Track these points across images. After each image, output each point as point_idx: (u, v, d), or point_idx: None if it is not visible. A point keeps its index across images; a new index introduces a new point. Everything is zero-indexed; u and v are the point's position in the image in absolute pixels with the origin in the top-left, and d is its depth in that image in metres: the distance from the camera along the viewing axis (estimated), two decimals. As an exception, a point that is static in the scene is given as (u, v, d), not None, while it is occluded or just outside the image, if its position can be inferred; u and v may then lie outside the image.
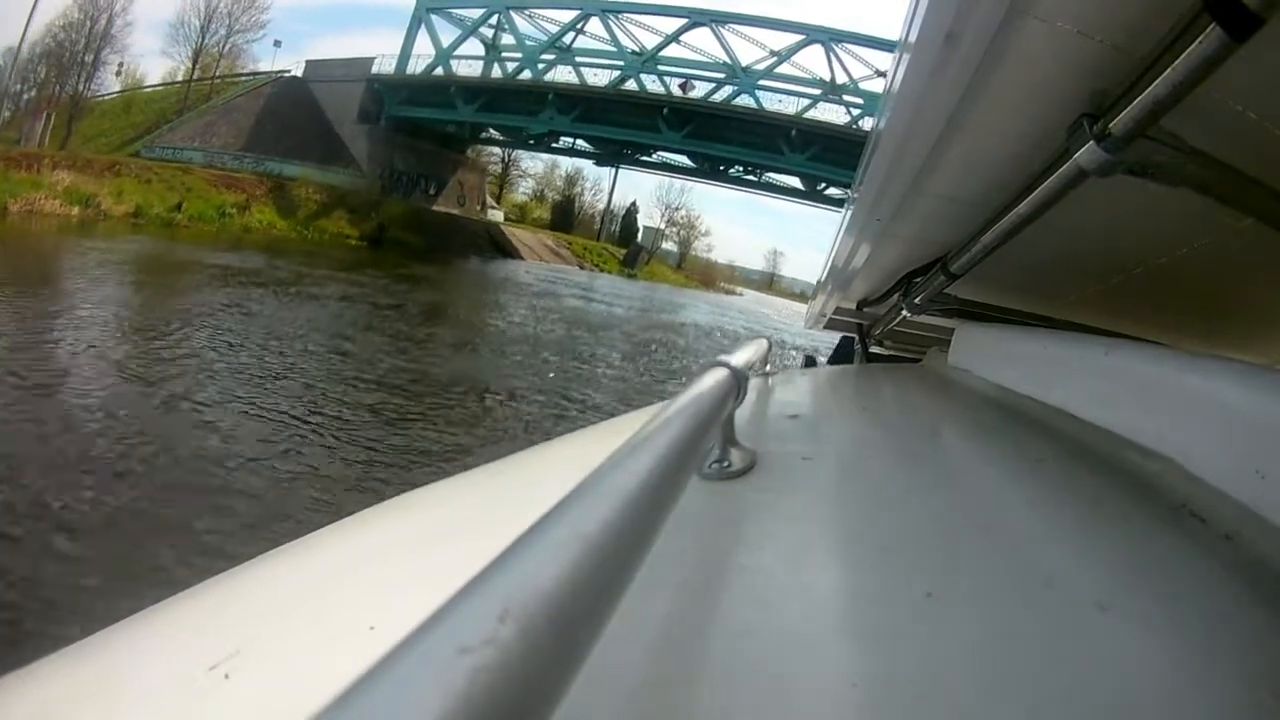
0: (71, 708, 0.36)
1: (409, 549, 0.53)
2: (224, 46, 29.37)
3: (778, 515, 0.53)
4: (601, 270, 39.45)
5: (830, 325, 2.87)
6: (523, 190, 51.77)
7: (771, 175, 30.03)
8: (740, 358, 0.62)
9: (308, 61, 31.36)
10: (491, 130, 33.04)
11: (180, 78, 28.84)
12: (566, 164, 49.83)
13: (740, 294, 60.68)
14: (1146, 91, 0.61)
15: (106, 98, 27.69)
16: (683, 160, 31.55)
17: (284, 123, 27.41)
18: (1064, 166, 0.76)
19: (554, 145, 33.94)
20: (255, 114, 27.56)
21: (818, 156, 25.13)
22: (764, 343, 1.12)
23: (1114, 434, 0.65)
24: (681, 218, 60.34)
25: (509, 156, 47.92)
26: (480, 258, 28.70)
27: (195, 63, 28.46)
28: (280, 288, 11.60)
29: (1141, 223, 0.97)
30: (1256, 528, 0.43)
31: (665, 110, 26.48)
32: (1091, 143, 0.70)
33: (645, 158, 33.09)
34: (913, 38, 0.84)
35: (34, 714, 0.36)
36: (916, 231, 1.29)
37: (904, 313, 1.59)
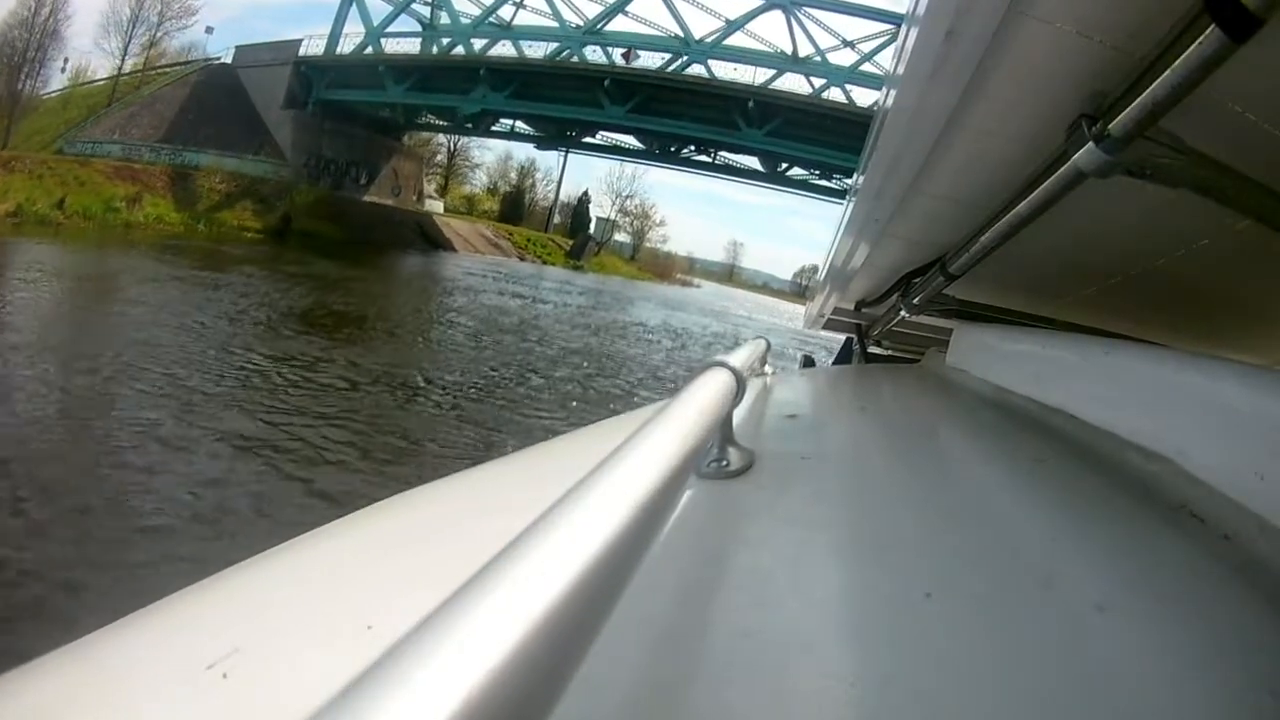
0: (68, 707, 0.38)
1: (408, 548, 0.56)
2: (154, 35, 30.45)
3: (776, 515, 0.56)
4: (545, 263, 39.49)
5: (829, 325, 3.00)
6: (475, 183, 52.36)
7: (728, 156, 29.89)
8: (738, 357, 0.66)
9: (237, 48, 31.68)
10: (430, 116, 32.48)
11: (123, 70, 29.65)
12: (520, 155, 50.74)
13: (698, 286, 61.72)
14: (1146, 92, 0.66)
15: (51, 95, 28.52)
16: (631, 141, 31.28)
17: (207, 111, 27.78)
18: (1063, 167, 0.81)
19: (494, 129, 33.62)
20: (179, 103, 28.10)
21: (779, 132, 24.42)
22: (762, 343, 1.18)
23: (1113, 434, 0.70)
24: (635, 207, 60.86)
25: (455, 145, 48.20)
26: (405, 251, 28.02)
27: (124, 53, 29.47)
28: (75, 299, 9.66)
29: (1140, 223, 1.04)
30: (1256, 528, 0.47)
31: (607, 82, 25.67)
32: (1090, 143, 0.74)
33: (590, 139, 32.73)
34: (912, 38, 0.88)
35: (30, 714, 0.37)
36: (915, 232, 1.36)
37: (903, 313, 1.67)
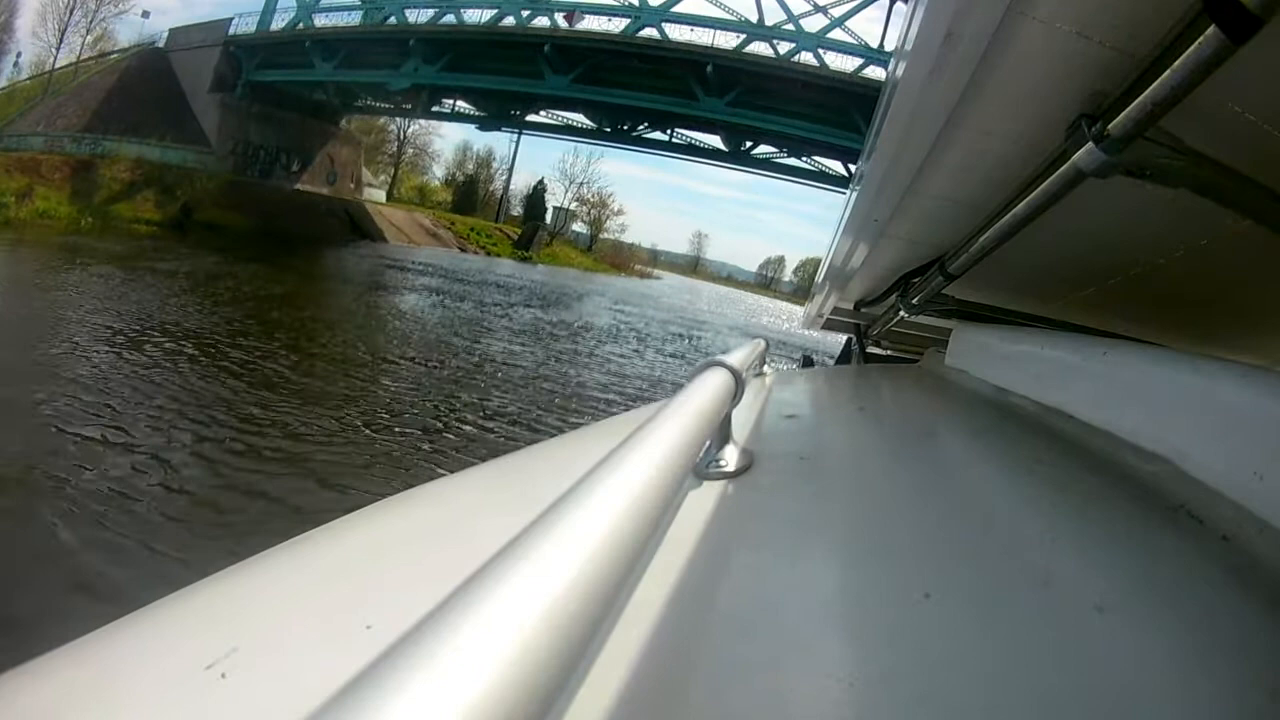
0: (68, 707, 0.40)
1: (407, 548, 0.58)
2: (91, 22, 30.87)
3: (775, 514, 0.60)
4: (489, 254, 39.94)
5: (828, 325, 3.13)
6: (435, 174, 53.35)
7: (690, 135, 28.91)
8: (737, 358, 0.71)
9: (170, 30, 31.74)
10: (369, 98, 31.73)
11: (71, 61, 30.27)
12: (479, 145, 51.28)
13: (658, 278, 62.40)
14: (1145, 93, 0.70)
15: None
16: (581, 119, 30.41)
17: (133, 98, 27.95)
18: (1062, 168, 0.86)
19: (435, 109, 32.81)
20: (106, 91, 28.04)
21: (743, 101, 22.90)
22: (761, 343, 1.26)
23: (1112, 435, 0.75)
24: (592, 195, 61.00)
25: (404, 133, 48.65)
26: (326, 243, 27.32)
27: (60, 41, 29.82)
28: None
29: (1140, 224, 1.10)
30: (1254, 529, 0.51)
31: (547, 48, 24.45)
32: (1090, 144, 0.79)
33: (537, 117, 31.79)
34: (912, 38, 0.92)
35: (30, 713, 0.39)
36: (914, 232, 1.42)
37: (901, 313, 1.75)
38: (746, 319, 38.06)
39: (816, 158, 26.35)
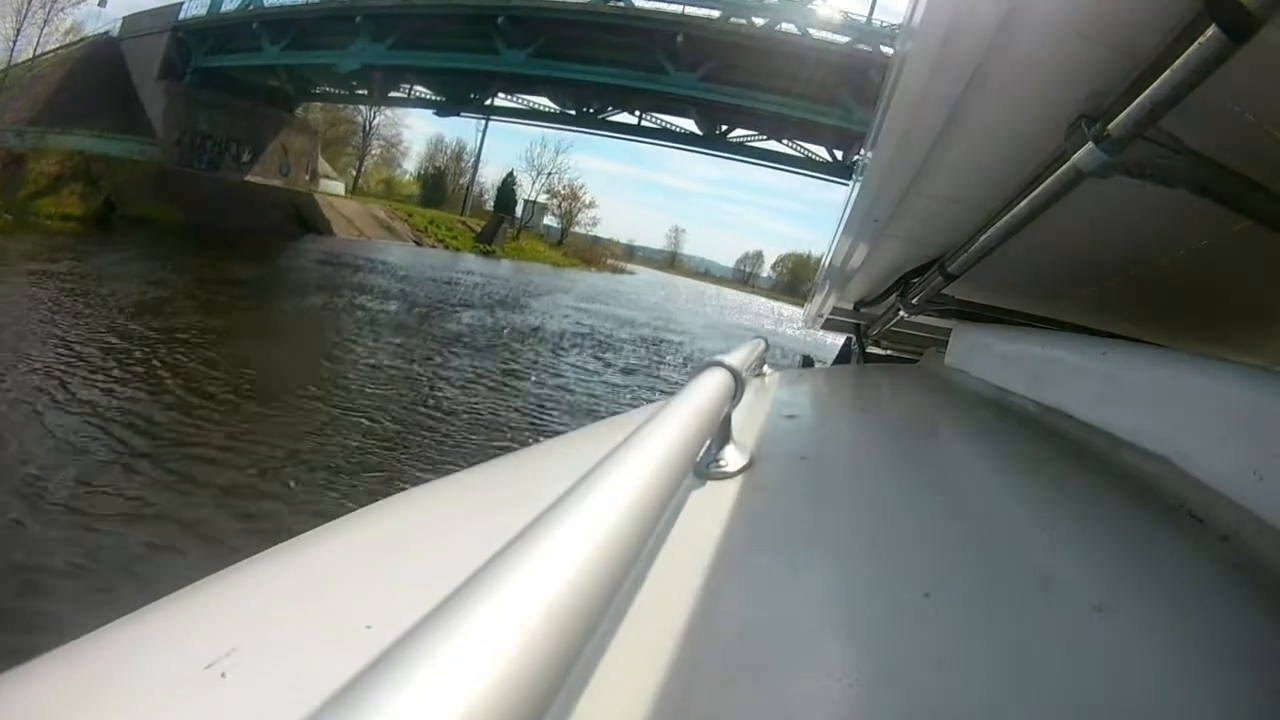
0: (68, 707, 0.41)
1: (407, 548, 0.60)
2: (48, 14, 30.14)
3: (775, 514, 0.63)
4: (448, 247, 39.13)
5: (828, 325, 3.23)
6: (407, 168, 53.96)
7: (664, 119, 28.13)
8: (737, 358, 0.74)
9: (124, 18, 31.59)
10: (325, 85, 31.14)
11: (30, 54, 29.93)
12: (450, 138, 51.04)
13: (632, 273, 61.86)
14: (1145, 93, 0.74)
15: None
16: (545, 103, 29.53)
17: (83, 89, 27.78)
18: (1062, 167, 0.90)
19: (393, 94, 32.23)
20: (56, 84, 27.88)
21: (716, 75, 21.36)
22: (760, 343, 1.30)
23: (1111, 434, 0.79)
24: (563, 187, 60.56)
25: (369, 124, 48.51)
26: (267, 236, 26.24)
27: (18, 33, 29.28)
28: None
29: (1139, 224, 1.15)
30: (1254, 528, 0.54)
31: (501, 20, 23.07)
32: (1090, 144, 0.83)
33: (499, 101, 30.89)
34: (912, 37, 0.95)
35: (30, 713, 0.41)
36: (914, 232, 1.47)
37: (901, 313, 1.81)
38: (720, 314, 37.34)
39: (801, 143, 25.66)
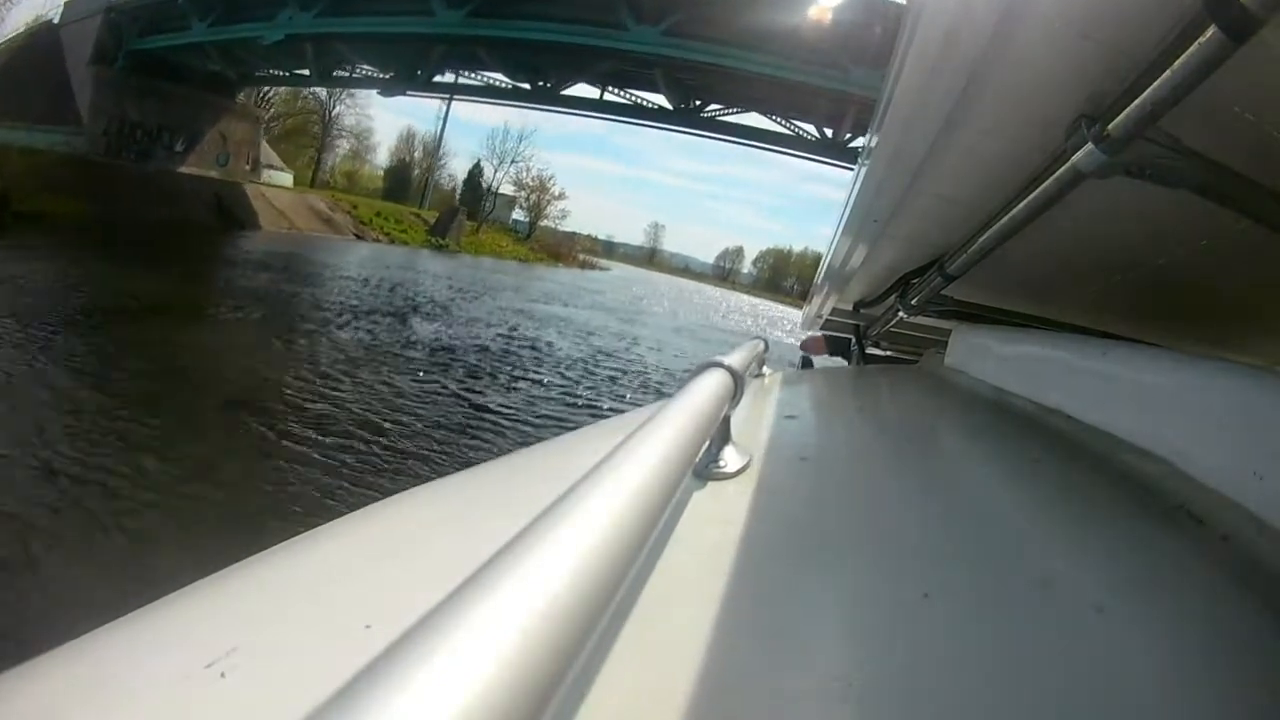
0: (67, 706, 0.43)
1: (406, 547, 0.63)
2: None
3: (774, 515, 0.64)
4: (395, 241, 37.34)
5: (827, 326, 3.33)
6: (376, 163, 54.70)
7: (632, 93, 26.31)
8: (736, 358, 0.76)
9: (65, 3, 30.64)
10: (270, 67, 29.96)
11: None
12: (422, 131, 49.62)
13: (605, 269, 60.75)
14: (1145, 93, 0.77)
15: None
16: (500, 79, 27.39)
17: (14, 80, 27.47)
18: (1062, 168, 0.93)
19: (336, 74, 30.20)
20: None
21: (682, 30, 18.81)
22: (760, 343, 1.34)
23: (1111, 435, 0.82)
24: (531, 179, 59.32)
25: (329, 113, 48.43)
26: (181, 231, 24.11)
27: None
28: None
29: (1139, 224, 1.18)
30: (1254, 529, 0.55)
31: None
32: (1090, 144, 0.86)
33: (446, 78, 29.05)
34: (911, 37, 0.97)
35: (29, 713, 0.42)
36: (913, 232, 1.51)
37: (901, 314, 1.87)
38: (693, 315, 34.29)
39: (787, 118, 23.56)
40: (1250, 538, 0.56)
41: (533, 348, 14.09)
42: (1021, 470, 0.86)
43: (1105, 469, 0.79)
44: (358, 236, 36.03)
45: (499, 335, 14.86)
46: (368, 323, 13.78)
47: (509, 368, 11.94)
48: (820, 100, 19.53)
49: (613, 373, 13.31)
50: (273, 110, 44.01)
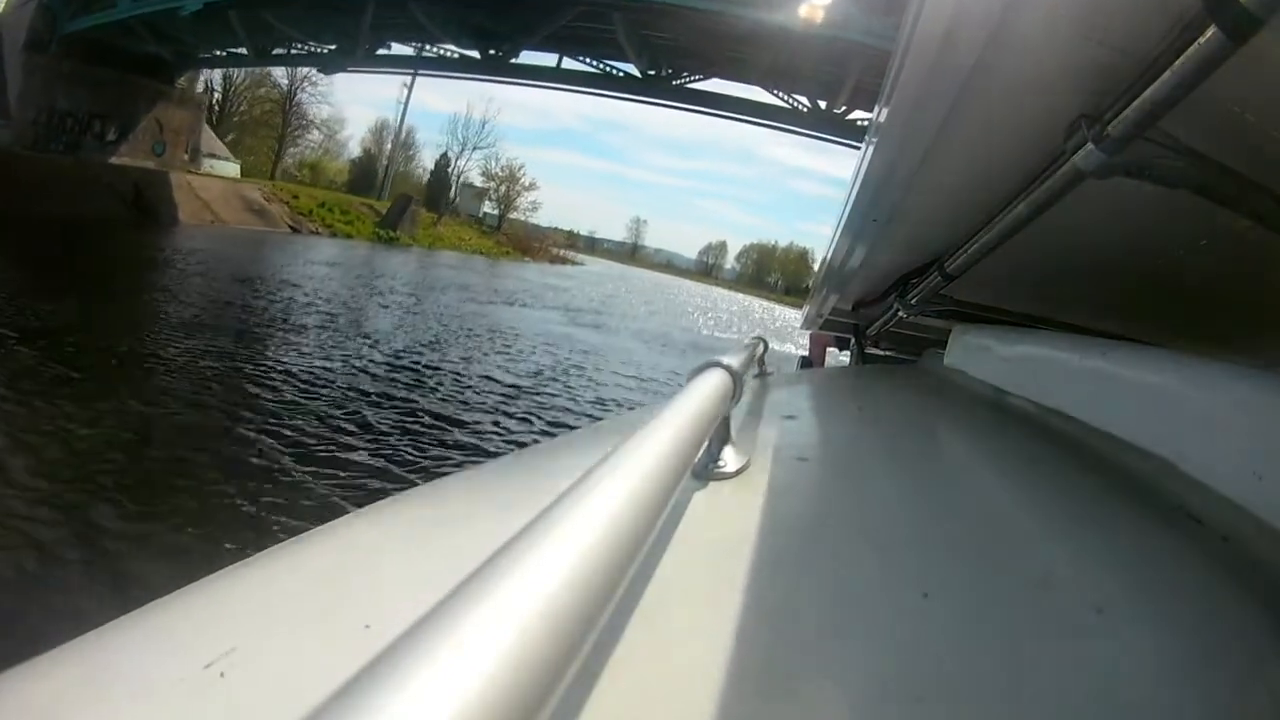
0: (66, 706, 0.44)
1: (406, 548, 0.65)
2: None
3: (773, 516, 0.66)
4: (337, 234, 36.25)
5: (826, 325, 3.45)
6: (350, 153, 57.00)
7: (603, 63, 25.73)
8: (736, 358, 0.78)
9: None
10: (214, 47, 29.15)
11: None
12: (395, 123, 50.65)
13: (579, 264, 60.34)
14: (1145, 93, 0.79)
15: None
16: (452, 49, 27.17)
17: None
18: (1062, 168, 0.96)
19: (275, 52, 29.59)
20: None
21: None
22: (760, 343, 1.39)
23: (1111, 435, 0.84)
24: (500, 170, 59.26)
25: (291, 102, 49.00)
26: (78, 227, 21.43)
27: None
28: None
29: (1139, 224, 1.22)
30: (1254, 529, 0.57)
31: None
32: (1089, 144, 0.89)
33: (393, 50, 28.15)
34: (911, 36, 0.99)
35: (28, 713, 0.44)
36: (913, 232, 1.55)
37: (900, 313, 1.91)
38: (668, 319, 31.89)
39: (787, 93, 22.82)
40: (1250, 538, 0.58)
41: (416, 381, 10.20)
42: (1021, 470, 0.89)
43: (1105, 469, 0.81)
44: (293, 229, 34.28)
45: (382, 360, 11.17)
46: (259, 348, 10.44)
47: (433, 404, 8.76)
48: (806, 60, 17.68)
49: (525, 415, 9.62)
50: (230, 99, 44.14)
